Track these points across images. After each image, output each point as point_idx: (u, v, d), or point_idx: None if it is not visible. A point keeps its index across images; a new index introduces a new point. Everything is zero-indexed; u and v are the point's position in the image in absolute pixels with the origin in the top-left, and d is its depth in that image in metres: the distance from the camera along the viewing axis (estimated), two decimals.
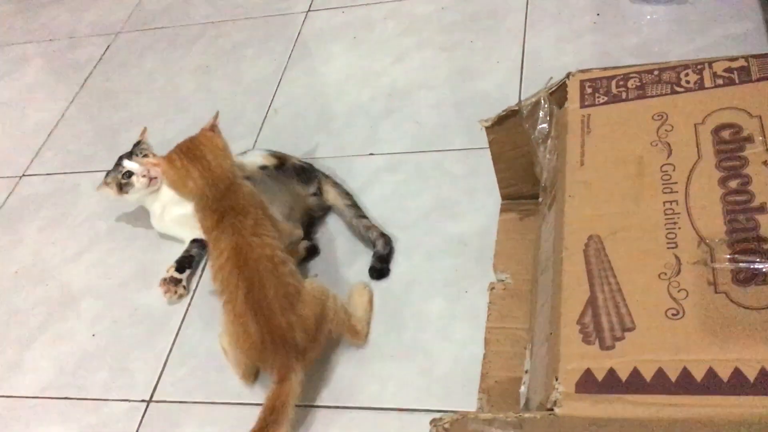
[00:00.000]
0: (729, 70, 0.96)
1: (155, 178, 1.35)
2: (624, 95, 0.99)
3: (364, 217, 1.31)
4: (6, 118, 1.91)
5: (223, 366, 1.17)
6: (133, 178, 1.35)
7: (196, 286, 1.34)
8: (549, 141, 1.05)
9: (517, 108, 1.08)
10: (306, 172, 1.35)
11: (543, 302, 0.90)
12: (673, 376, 0.72)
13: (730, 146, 0.88)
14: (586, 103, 1.01)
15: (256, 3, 1.98)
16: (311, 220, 1.35)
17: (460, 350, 1.10)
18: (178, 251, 1.38)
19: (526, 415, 0.75)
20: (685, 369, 0.72)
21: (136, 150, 1.39)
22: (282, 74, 1.72)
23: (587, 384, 0.74)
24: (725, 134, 0.89)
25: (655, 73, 1.00)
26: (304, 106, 1.63)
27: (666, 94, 0.97)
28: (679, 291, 0.77)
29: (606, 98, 1.00)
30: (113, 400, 1.20)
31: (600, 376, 0.74)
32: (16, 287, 1.46)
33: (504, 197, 1.25)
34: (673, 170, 0.88)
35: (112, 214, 1.52)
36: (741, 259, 0.77)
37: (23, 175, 1.71)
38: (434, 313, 1.17)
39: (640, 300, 0.78)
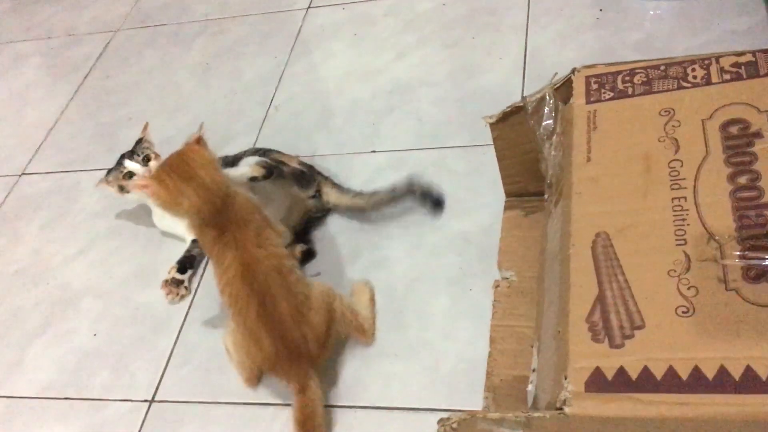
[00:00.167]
0: (736, 65, 0.95)
1: None
2: (630, 91, 0.99)
3: (377, 191, 1.30)
4: (4, 116, 1.90)
5: (226, 365, 1.16)
6: (135, 179, 1.34)
7: (198, 284, 1.33)
8: (554, 137, 1.04)
9: (521, 104, 1.07)
10: (305, 176, 1.33)
11: (550, 300, 0.89)
12: (684, 374, 0.71)
13: (738, 142, 0.87)
14: (592, 99, 1.00)
15: (256, 0, 1.97)
16: (309, 222, 1.33)
17: (465, 348, 1.10)
18: (179, 250, 1.37)
19: (535, 414, 0.74)
20: (696, 367, 0.71)
21: (138, 149, 1.38)
22: (282, 71, 1.71)
23: (597, 383, 0.73)
24: (733, 130, 0.88)
25: (662, 68, 0.99)
26: (304, 103, 1.62)
27: (673, 90, 0.96)
28: (689, 288, 0.77)
29: (612, 94, 0.99)
30: (115, 400, 1.19)
31: (610, 374, 0.73)
32: (16, 287, 1.44)
33: (508, 194, 1.24)
34: (681, 166, 0.87)
35: (112, 213, 1.51)
36: (751, 256, 0.76)
37: (22, 173, 1.70)
38: (438, 311, 1.16)
39: (649, 297, 0.77)
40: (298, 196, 1.31)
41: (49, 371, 1.27)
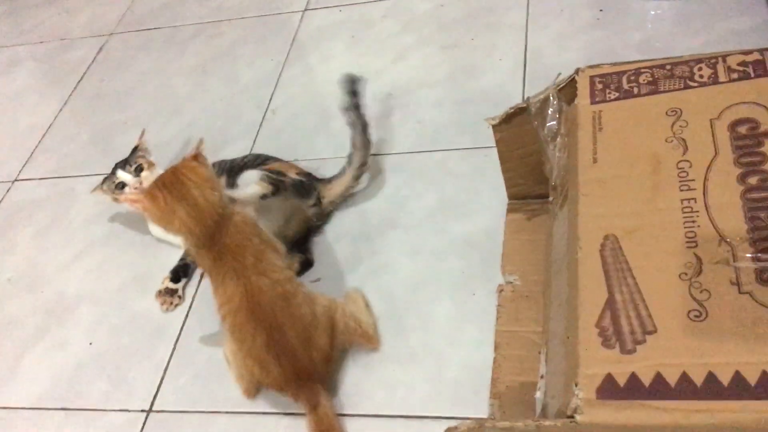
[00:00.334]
0: (743, 63, 0.94)
1: None
2: (636, 91, 0.97)
3: (349, 156, 1.32)
4: None
5: (225, 374, 1.13)
6: (126, 190, 1.32)
7: (195, 291, 1.31)
8: (558, 138, 1.02)
9: (525, 105, 1.05)
10: (303, 185, 1.30)
11: (558, 305, 0.87)
12: (698, 380, 0.69)
13: (747, 142, 0.85)
14: (597, 99, 0.98)
15: (252, 2, 1.95)
16: (309, 230, 1.31)
17: (469, 354, 1.08)
18: (175, 256, 1.35)
19: (546, 423, 0.72)
20: (710, 373, 0.69)
21: (131, 159, 1.35)
22: (279, 74, 1.69)
23: (609, 390, 0.71)
24: (742, 129, 0.87)
25: (668, 67, 0.98)
26: (302, 106, 1.60)
27: (679, 89, 0.95)
28: (701, 292, 0.75)
29: (617, 94, 0.97)
30: (112, 410, 1.17)
31: (622, 381, 0.71)
32: (10, 295, 1.42)
33: (511, 197, 1.22)
34: (690, 167, 0.86)
35: (107, 219, 1.49)
36: (764, 258, 0.75)
37: (16, 179, 1.68)
38: (441, 316, 1.14)
39: (660, 301, 0.76)
40: (297, 207, 1.28)
41: (45, 381, 1.24)
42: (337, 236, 1.31)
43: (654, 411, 0.69)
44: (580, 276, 0.82)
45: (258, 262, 1.04)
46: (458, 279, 1.18)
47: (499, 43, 1.57)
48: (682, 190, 0.84)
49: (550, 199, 1.05)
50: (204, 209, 1.02)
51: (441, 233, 1.25)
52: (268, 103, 1.63)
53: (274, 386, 1.05)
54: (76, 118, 1.80)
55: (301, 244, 1.27)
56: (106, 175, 1.38)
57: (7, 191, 1.65)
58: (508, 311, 1.09)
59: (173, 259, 1.33)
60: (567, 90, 1.03)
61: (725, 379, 0.68)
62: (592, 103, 0.98)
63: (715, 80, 0.94)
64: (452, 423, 0.82)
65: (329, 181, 1.34)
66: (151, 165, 1.35)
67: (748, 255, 0.76)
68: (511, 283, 1.12)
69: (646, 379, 0.71)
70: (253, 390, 1.11)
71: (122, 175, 1.33)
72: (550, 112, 1.03)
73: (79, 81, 1.90)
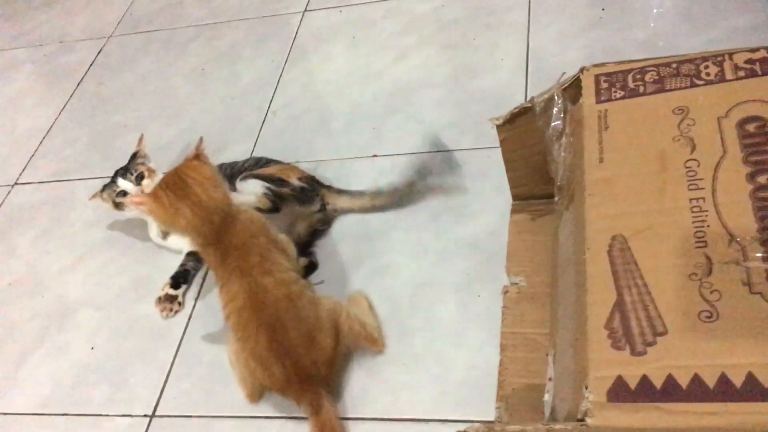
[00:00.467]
0: (750, 61, 0.93)
1: None
2: (642, 89, 0.96)
3: (395, 186, 1.29)
4: None
5: (228, 378, 1.12)
6: (127, 198, 1.31)
7: (198, 294, 1.30)
8: (564, 138, 1.01)
9: (529, 105, 1.04)
10: (306, 192, 1.29)
11: (565, 306, 0.86)
12: (710, 382, 0.68)
13: (756, 140, 0.84)
14: (603, 98, 0.97)
15: (251, 3, 1.94)
16: (314, 234, 1.30)
17: (475, 356, 1.07)
18: (177, 259, 1.34)
19: (557, 426, 0.71)
20: (723, 375, 0.68)
21: (132, 166, 1.34)
22: (280, 76, 1.68)
23: (619, 392, 0.70)
24: (750, 128, 0.86)
25: (673, 65, 0.97)
26: (303, 107, 1.59)
27: (686, 88, 0.94)
28: (711, 292, 0.74)
29: (623, 93, 0.97)
30: (114, 415, 1.16)
31: (633, 383, 0.70)
32: (10, 299, 1.41)
33: (515, 197, 1.21)
34: (698, 166, 0.85)
35: (108, 223, 1.48)
36: None
37: (15, 183, 1.67)
38: (446, 318, 1.13)
39: (670, 302, 0.75)
40: (301, 214, 1.27)
41: (46, 386, 1.23)
42: (340, 238, 1.30)
43: (666, 413, 0.68)
44: (588, 277, 0.81)
45: (264, 261, 1.03)
46: (462, 280, 1.17)
47: (500, 42, 1.56)
48: (690, 190, 0.83)
49: (556, 199, 1.04)
50: (209, 207, 1.02)
51: (444, 234, 1.24)
52: (269, 105, 1.62)
53: (276, 388, 1.04)
54: (75, 121, 1.79)
55: (305, 248, 1.26)
56: (105, 183, 1.36)
57: (7, 195, 1.64)
58: (513, 313, 1.08)
59: (174, 262, 1.32)
60: (572, 89, 1.02)
61: (738, 380, 0.67)
62: (598, 102, 0.97)
63: (722, 78, 0.93)
64: (458, 426, 0.81)
65: (339, 191, 1.33)
66: (151, 172, 1.34)
67: (759, 254, 0.75)
68: (516, 284, 1.11)
69: (658, 381, 0.70)
70: (256, 394, 1.10)
71: (123, 184, 1.32)
72: (554, 111, 1.02)
73: (78, 84, 1.89)
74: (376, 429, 1.03)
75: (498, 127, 1.08)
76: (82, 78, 1.91)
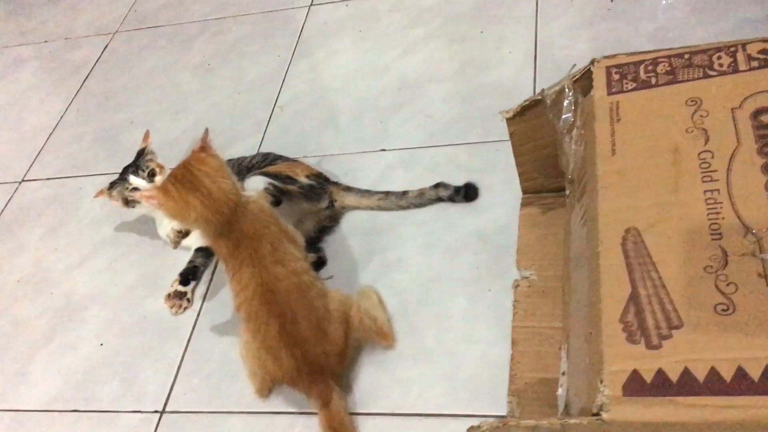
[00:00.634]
0: (764, 51, 0.92)
1: None
2: (654, 81, 0.95)
3: (404, 192, 1.28)
4: (3, 122, 1.86)
5: (238, 373, 1.12)
6: (137, 193, 1.30)
7: (207, 290, 1.29)
8: (575, 131, 1.00)
9: (539, 98, 1.03)
10: (314, 190, 1.29)
11: (578, 300, 0.86)
12: (727, 375, 0.67)
13: None
14: (614, 90, 0.96)
15: None
16: (322, 231, 1.30)
17: (486, 351, 1.06)
18: (185, 255, 1.33)
19: (572, 421, 0.70)
20: (740, 368, 0.67)
21: (142, 163, 1.33)
22: (286, 70, 1.68)
23: (635, 386, 0.70)
24: (765, 118, 0.85)
25: (686, 56, 0.96)
26: (310, 102, 1.58)
27: (698, 79, 0.93)
28: (727, 285, 0.73)
29: (635, 84, 0.96)
30: (124, 411, 1.16)
31: (648, 377, 0.70)
32: (19, 296, 1.41)
33: (525, 191, 1.20)
34: (712, 157, 0.84)
35: (116, 219, 1.48)
36: None
37: (23, 180, 1.67)
38: (456, 313, 1.12)
39: (686, 295, 0.74)
40: (308, 211, 1.27)
41: (56, 383, 1.23)
42: (349, 233, 1.29)
43: (683, 407, 0.67)
44: (602, 270, 0.80)
45: (274, 250, 1.03)
46: (472, 275, 1.16)
47: (508, 35, 1.55)
48: (704, 182, 0.82)
49: (567, 192, 1.03)
50: (218, 198, 1.02)
51: (454, 228, 1.23)
52: (276, 100, 1.61)
53: (286, 379, 1.04)
54: (81, 118, 1.78)
55: (313, 244, 1.25)
56: (112, 180, 1.35)
57: (14, 192, 1.64)
58: (524, 307, 1.07)
59: (183, 258, 1.32)
60: (582, 81, 1.01)
61: (755, 374, 0.67)
62: (609, 93, 0.96)
63: (735, 69, 0.92)
64: (470, 421, 0.81)
65: (347, 189, 1.32)
66: (161, 168, 1.33)
67: None
68: (527, 278, 1.11)
69: (674, 375, 0.69)
70: (266, 389, 1.10)
71: (136, 181, 1.30)
72: (565, 104, 1.02)
73: (84, 80, 1.89)
74: (387, 424, 1.03)
75: (508, 120, 1.07)
76: (88, 74, 1.91)
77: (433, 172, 1.34)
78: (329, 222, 1.29)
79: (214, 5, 1.97)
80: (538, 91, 1.07)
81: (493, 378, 1.02)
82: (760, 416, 0.65)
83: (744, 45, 0.94)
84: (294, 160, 1.38)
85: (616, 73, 0.98)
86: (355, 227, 1.30)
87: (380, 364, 1.09)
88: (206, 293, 1.29)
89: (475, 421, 0.79)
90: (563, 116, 1.02)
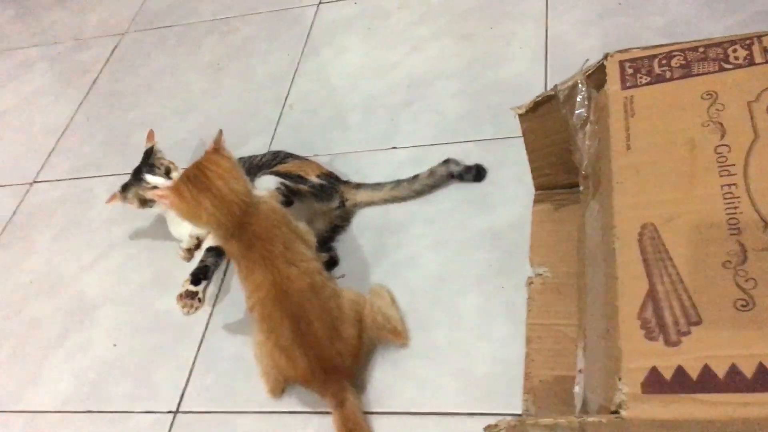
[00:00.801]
0: None
1: None
2: (668, 75, 0.94)
3: (415, 176, 1.28)
4: (13, 124, 1.87)
5: (250, 373, 1.11)
6: (150, 192, 1.29)
7: (219, 289, 1.29)
8: (588, 126, 0.99)
9: (552, 93, 1.02)
10: (325, 189, 1.28)
11: (594, 296, 0.85)
12: (748, 372, 0.66)
13: None
14: (628, 85, 0.95)
15: None
16: (333, 230, 1.29)
17: (500, 349, 1.05)
18: (196, 255, 1.33)
19: (590, 419, 0.69)
20: (761, 364, 0.66)
21: (155, 162, 1.32)
22: (296, 69, 1.67)
23: (654, 383, 0.69)
24: None
25: (700, 50, 0.95)
26: (320, 100, 1.58)
27: (714, 72, 0.91)
28: (747, 281, 0.72)
29: (649, 78, 0.95)
30: (138, 412, 1.16)
31: (668, 374, 0.69)
32: (31, 297, 1.41)
33: (537, 187, 1.19)
34: (729, 151, 0.83)
35: (127, 220, 1.48)
36: None
37: (33, 181, 1.67)
38: (469, 310, 1.12)
39: (704, 291, 0.73)
40: (319, 210, 1.27)
41: (69, 384, 1.23)
42: (360, 231, 1.29)
43: (703, 405, 0.66)
44: (618, 267, 0.79)
45: (287, 251, 1.03)
46: (485, 272, 1.16)
47: (518, 31, 1.54)
48: (721, 176, 0.81)
49: (581, 188, 1.02)
50: (230, 199, 1.02)
51: (466, 226, 1.23)
52: (285, 99, 1.61)
53: (300, 379, 1.04)
54: (92, 119, 1.79)
55: (325, 243, 1.25)
56: (124, 183, 1.33)
57: (26, 193, 1.64)
58: (538, 304, 1.07)
59: (194, 258, 1.32)
60: (595, 76, 1.00)
61: None
62: (623, 88, 0.95)
63: (750, 62, 0.91)
64: (485, 420, 0.80)
65: (357, 186, 1.32)
66: (174, 165, 1.33)
67: None
68: (541, 275, 1.10)
69: (694, 372, 0.68)
70: (279, 389, 1.09)
71: (154, 180, 1.29)
72: (578, 99, 1.01)
73: (93, 81, 1.89)
74: (401, 423, 1.02)
75: (520, 116, 1.07)
76: (98, 75, 1.91)
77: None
78: (340, 221, 1.29)
79: (222, 5, 1.97)
80: (549, 86, 1.06)
81: (507, 376, 1.01)
82: None
83: (759, 37, 0.92)
84: (305, 159, 1.38)
85: (629, 67, 0.97)
86: (366, 226, 1.29)
87: (394, 363, 1.09)
88: (218, 293, 1.29)
89: (490, 420, 0.79)
90: (576, 111, 1.01)
